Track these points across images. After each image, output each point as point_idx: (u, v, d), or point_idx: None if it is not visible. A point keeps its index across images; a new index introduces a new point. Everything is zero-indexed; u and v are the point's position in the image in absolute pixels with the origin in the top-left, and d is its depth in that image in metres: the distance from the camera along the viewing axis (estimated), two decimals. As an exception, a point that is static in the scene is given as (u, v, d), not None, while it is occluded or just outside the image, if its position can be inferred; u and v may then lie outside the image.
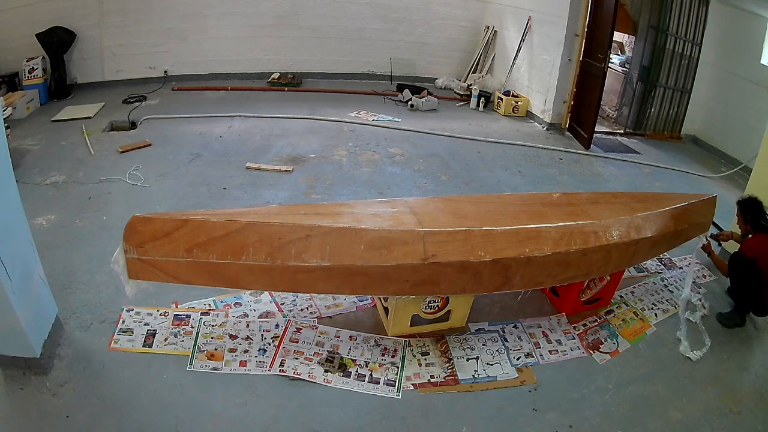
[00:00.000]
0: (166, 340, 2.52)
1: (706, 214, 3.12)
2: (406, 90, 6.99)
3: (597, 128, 5.98)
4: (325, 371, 2.43)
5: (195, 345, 2.50)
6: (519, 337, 2.78)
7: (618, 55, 7.57)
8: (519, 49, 6.85)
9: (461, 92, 7.40)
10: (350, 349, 2.58)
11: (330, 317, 2.80)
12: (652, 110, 6.57)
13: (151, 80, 6.65)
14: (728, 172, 5.48)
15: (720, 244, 3.51)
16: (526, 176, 4.93)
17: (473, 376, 2.50)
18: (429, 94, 6.90)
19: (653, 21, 6.29)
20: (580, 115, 6.10)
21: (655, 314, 3.08)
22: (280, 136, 5.33)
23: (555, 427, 2.28)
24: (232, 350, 2.50)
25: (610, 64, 5.91)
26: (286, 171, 4.51)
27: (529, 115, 6.79)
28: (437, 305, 2.65)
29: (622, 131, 6.68)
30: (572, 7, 5.77)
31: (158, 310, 2.70)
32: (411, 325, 2.69)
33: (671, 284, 3.38)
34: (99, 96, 5.99)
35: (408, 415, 2.27)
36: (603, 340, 2.82)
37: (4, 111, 4.58)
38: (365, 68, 7.71)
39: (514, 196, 3.40)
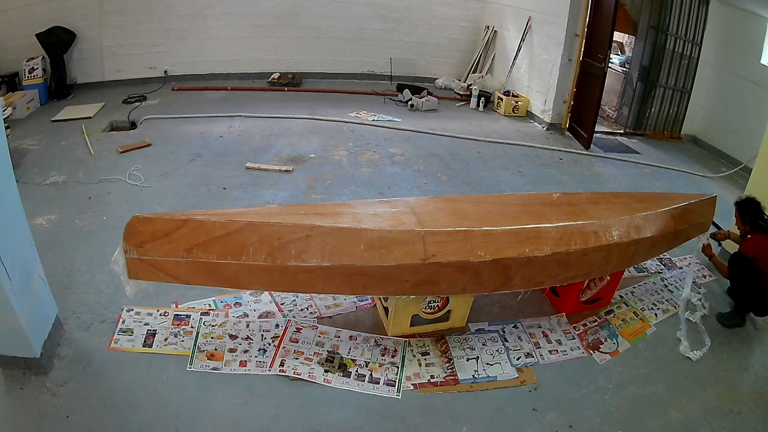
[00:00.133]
0: (166, 340, 2.52)
1: (706, 214, 3.12)
2: (406, 90, 6.99)
3: (597, 128, 5.98)
4: (325, 371, 2.43)
5: (195, 345, 2.50)
6: (519, 337, 2.78)
7: (618, 55, 7.56)
8: (519, 49, 6.85)
9: (461, 92, 7.40)
10: (350, 349, 2.58)
11: (330, 317, 2.80)
12: (652, 110, 6.57)
13: (151, 80, 6.65)
14: (728, 172, 5.48)
15: (720, 244, 3.51)
16: (526, 176, 4.93)
17: (473, 376, 2.50)
18: (429, 94, 6.90)
19: (653, 21, 6.29)
20: (580, 115, 6.10)
21: (655, 314, 3.08)
22: (280, 136, 5.33)
23: (555, 427, 2.28)
24: (232, 350, 2.50)
25: (610, 64, 5.91)
26: (286, 171, 4.51)
27: (529, 115, 6.79)
28: (437, 305, 2.65)
29: (622, 131, 6.68)
30: (572, 7, 5.77)
31: (158, 310, 2.70)
32: (411, 325, 2.69)
33: (671, 284, 3.38)
34: (99, 96, 5.99)
35: (408, 415, 2.27)
36: (603, 340, 2.82)
37: (4, 111, 4.58)
38: (365, 68, 7.71)
39: (514, 196, 3.40)
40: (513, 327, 2.85)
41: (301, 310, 2.83)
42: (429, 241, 2.26)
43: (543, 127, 6.41)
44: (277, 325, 2.68)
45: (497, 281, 2.42)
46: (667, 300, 3.22)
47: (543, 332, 2.83)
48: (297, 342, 2.59)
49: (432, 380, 2.46)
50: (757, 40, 5.40)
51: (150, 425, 2.10)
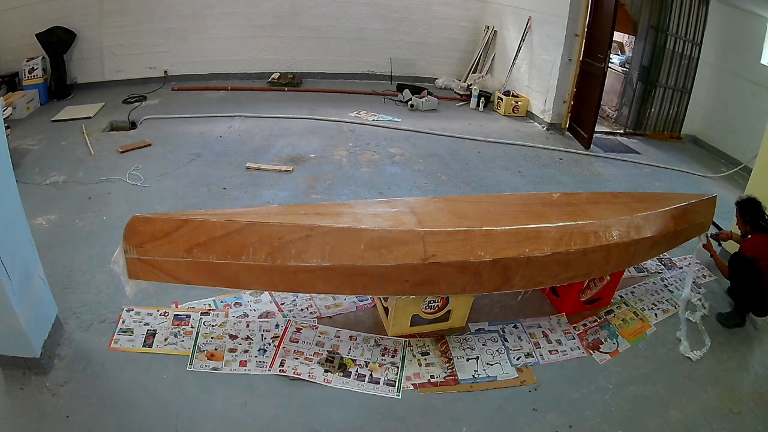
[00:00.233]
0: (166, 340, 2.52)
1: (706, 214, 3.12)
2: (406, 90, 6.99)
3: (597, 128, 5.98)
4: (325, 371, 2.43)
5: (195, 345, 2.50)
6: (519, 337, 2.78)
7: (618, 55, 7.56)
8: (519, 49, 6.85)
9: (461, 92, 7.40)
10: (350, 349, 2.58)
11: (330, 317, 2.80)
12: (652, 110, 6.57)
13: (151, 80, 6.65)
14: (728, 172, 5.48)
15: (720, 244, 3.51)
16: (526, 176, 4.93)
17: (473, 376, 2.50)
18: (429, 94, 6.90)
19: (653, 21, 6.29)
20: (580, 115, 6.10)
21: (655, 314, 3.08)
22: (280, 136, 5.33)
23: (555, 427, 2.28)
24: (232, 350, 2.50)
25: (610, 64, 5.91)
26: (286, 171, 4.51)
27: (529, 115, 6.79)
28: (437, 305, 2.65)
29: (622, 131, 6.68)
30: (572, 7, 5.77)
31: (158, 310, 2.70)
32: (411, 325, 2.69)
33: (671, 284, 3.38)
34: (99, 96, 5.99)
35: (408, 415, 2.27)
36: (603, 340, 2.82)
37: (4, 111, 4.58)
38: (365, 68, 7.71)
39: (514, 196, 3.40)
40: (513, 327, 2.85)
41: (301, 310, 2.83)
42: (429, 241, 2.26)
43: (543, 127, 6.41)
44: (277, 325, 2.68)
45: (497, 281, 2.42)
46: (667, 300, 3.22)
47: (543, 332, 2.83)
48: (297, 342, 2.59)
49: (432, 380, 2.46)
50: (757, 40, 5.40)
51: (150, 425, 2.10)
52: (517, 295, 2.97)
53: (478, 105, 6.90)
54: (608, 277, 2.88)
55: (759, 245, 2.88)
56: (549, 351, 2.71)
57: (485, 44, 7.62)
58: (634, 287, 3.31)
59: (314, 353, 2.53)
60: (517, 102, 6.76)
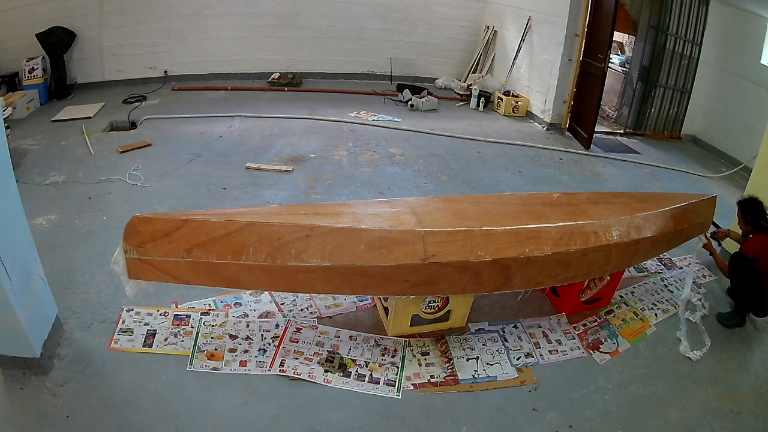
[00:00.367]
0: (166, 340, 2.52)
1: (706, 214, 3.12)
2: (406, 90, 6.99)
3: (597, 128, 5.98)
4: (325, 371, 2.43)
5: (195, 345, 2.50)
6: (519, 337, 2.78)
7: (618, 55, 7.57)
8: (519, 49, 6.85)
9: (461, 92, 7.40)
10: (350, 349, 2.58)
11: (330, 317, 2.80)
12: (652, 110, 6.57)
13: (151, 80, 6.65)
14: (728, 172, 5.48)
15: (720, 244, 3.51)
16: (526, 176, 4.93)
17: (473, 376, 2.50)
18: (429, 94, 6.90)
19: (653, 21, 6.29)
20: (580, 115, 6.10)
21: (655, 314, 3.08)
22: (280, 136, 5.33)
23: (555, 427, 2.28)
24: (232, 350, 2.50)
25: (610, 64, 5.91)
26: (286, 171, 4.51)
27: (529, 115, 6.79)
28: (437, 305, 2.65)
29: (622, 131, 6.68)
30: (572, 7, 5.77)
31: (158, 310, 2.70)
32: (411, 325, 2.69)
33: (671, 284, 3.38)
34: (99, 96, 5.99)
35: (408, 415, 2.27)
36: (603, 340, 2.82)
37: (4, 111, 4.58)
38: (365, 68, 7.71)
39: (514, 196, 3.40)
40: (513, 327, 2.85)
41: (301, 310, 2.83)
42: (429, 241, 2.26)
43: (543, 127, 6.41)
44: (277, 325, 2.68)
45: (497, 281, 2.42)
46: (667, 300, 3.22)
47: (543, 332, 2.83)
48: (297, 342, 2.59)
49: (432, 380, 2.46)
50: (757, 40, 5.40)
51: (150, 425, 2.11)
52: (517, 295, 2.97)
53: (478, 105, 6.90)
54: (608, 277, 2.88)
55: (760, 245, 2.88)
56: (549, 351, 2.71)
57: (485, 44, 7.62)
58: (634, 287, 3.31)
59: (314, 353, 2.53)
60: (517, 102, 6.76)
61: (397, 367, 2.50)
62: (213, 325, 2.64)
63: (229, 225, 2.10)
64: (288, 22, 7.12)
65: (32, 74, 5.64)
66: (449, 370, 2.51)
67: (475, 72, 7.70)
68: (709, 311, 3.10)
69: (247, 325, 2.67)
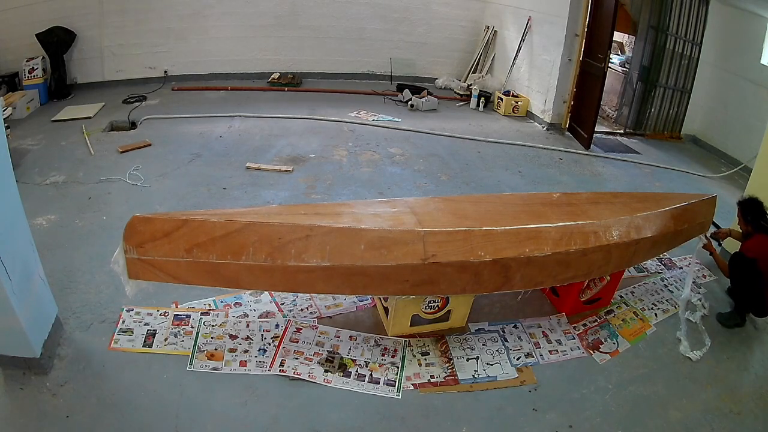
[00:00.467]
0: (166, 340, 2.52)
1: (706, 214, 3.12)
2: (406, 90, 6.99)
3: (597, 128, 5.98)
4: (325, 371, 2.43)
5: (195, 345, 2.50)
6: (519, 337, 2.78)
7: (618, 55, 7.57)
8: (519, 49, 6.85)
9: (461, 92, 7.40)
10: (350, 349, 2.58)
11: (330, 317, 2.80)
12: (652, 110, 6.57)
13: (151, 80, 6.65)
14: (728, 172, 5.48)
15: (720, 243, 3.51)
16: (526, 176, 4.93)
17: (473, 376, 2.50)
18: (429, 94, 6.90)
19: (653, 21, 6.29)
20: (580, 115, 6.10)
21: (655, 314, 3.08)
22: (280, 136, 5.33)
23: (555, 427, 2.28)
24: (232, 350, 2.50)
25: (610, 64, 5.91)
26: (286, 171, 4.51)
27: (529, 115, 6.79)
28: (437, 305, 2.65)
29: (622, 131, 6.68)
30: (572, 7, 5.77)
31: (158, 310, 2.70)
32: (411, 325, 2.69)
33: (671, 284, 3.38)
34: (99, 96, 5.99)
35: (408, 415, 2.27)
36: (603, 340, 2.82)
37: (4, 111, 4.58)
38: (365, 68, 7.71)
39: (514, 196, 3.40)
40: (513, 327, 2.85)
41: (301, 310, 2.83)
42: (429, 241, 2.26)
43: (543, 127, 6.41)
44: (277, 325, 2.68)
45: (497, 281, 2.42)
46: (667, 300, 3.22)
47: (543, 332, 2.83)
48: (297, 342, 2.59)
49: (432, 380, 2.46)
50: (757, 40, 5.40)
51: (150, 425, 2.11)
52: (517, 295, 2.97)
53: (478, 105, 6.90)
54: (608, 277, 2.88)
55: (760, 246, 2.88)
56: (549, 351, 2.71)
57: (485, 44, 7.62)
58: (634, 287, 3.31)
59: (314, 353, 2.53)
60: (517, 102, 6.76)
61: (397, 367, 2.50)
62: (213, 325, 2.64)
63: (229, 225, 2.10)
64: (288, 22, 7.12)
65: (32, 74, 5.65)
66: (449, 370, 2.51)
67: (475, 72, 7.70)
68: (709, 311, 3.10)
69: (247, 325, 2.67)
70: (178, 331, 2.58)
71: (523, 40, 6.75)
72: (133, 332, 2.54)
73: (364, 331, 2.70)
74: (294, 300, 2.90)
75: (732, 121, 5.94)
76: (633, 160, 5.65)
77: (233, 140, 5.12)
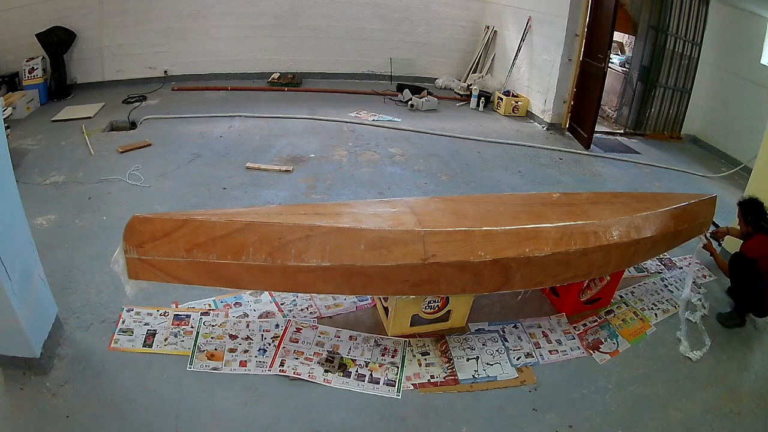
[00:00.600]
0: (166, 340, 2.52)
1: (706, 214, 3.12)
2: (406, 90, 6.99)
3: (597, 128, 5.98)
4: (325, 371, 2.43)
5: (195, 345, 2.50)
6: (519, 337, 2.78)
7: (618, 55, 7.57)
8: (519, 49, 6.85)
9: (461, 92, 7.40)
10: (350, 349, 2.58)
11: (330, 317, 2.80)
12: (652, 110, 6.57)
13: (151, 80, 6.65)
14: (728, 172, 5.48)
15: (720, 243, 3.51)
16: (526, 176, 4.93)
17: (473, 376, 2.50)
18: (429, 94, 6.90)
19: (653, 21, 6.29)
20: (580, 115, 6.10)
21: (655, 314, 3.08)
22: (280, 136, 5.33)
23: (555, 427, 2.28)
24: (232, 350, 2.50)
25: (610, 64, 5.91)
26: (286, 171, 4.51)
27: (529, 115, 6.79)
28: (437, 305, 2.65)
29: (622, 131, 6.68)
30: (572, 7, 5.77)
31: (158, 310, 2.70)
32: (411, 325, 2.69)
33: (671, 284, 3.38)
34: (99, 96, 5.99)
35: (408, 415, 2.27)
36: (603, 340, 2.82)
37: (4, 111, 4.58)
38: (365, 68, 7.72)
39: (514, 196, 3.40)
40: (513, 327, 2.85)
41: (301, 310, 2.83)
42: (429, 241, 2.26)
43: (543, 127, 6.41)
44: (277, 325, 2.68)
45: (497, 281, 2.42)
46: (667, 300, 3.22)
47: (543, 332, 2.83)
48: (297, 342, 2.59)
49: (432, 380, 2.46)
50: (757, 40, 5.40)
51: (150, 425, 2.11)
52: (517, 295, 2.97)
53: (478, 105, 6.90)
54: (608, 277, 2.88)
55: (761, 246, 2.88)
56: (549, 351, 2.71)
57: (485, 44, 7.62)
58: (634, 287, 3.31)
59: (314, 353, 2.53)
60: (517, 102, 6.76)
61: (397, 367, 2.50)
62: (213, 325, 2.64)
63: (229, 225, 2.10)
64: (288, 22, 7.12)
65: (32, 74, 5.65)
66: (449, 370, 2.51)
67: (475, 72, 7.70)
68: (709, 311, 3.10)
69: (247, 325, 2.67)
70: (178, 331, 2.58)
71: (523, 40, 6.75)
72: (133, 332, 2.54)
73: (364, 331, 2.70)
74: (294, 300, 2.90)
75: (732, 121, 5.94)
76: (633, 160, 5.65)
77: (233, 140, 5.12)
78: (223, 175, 4.34)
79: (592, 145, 5.87)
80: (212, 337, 2.56)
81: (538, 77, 6.55)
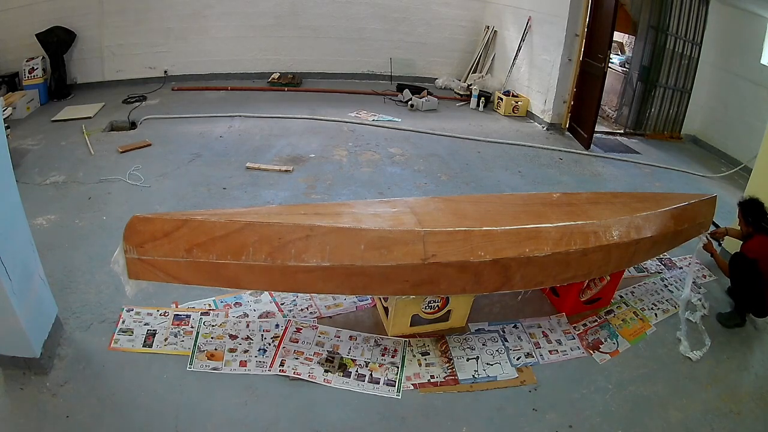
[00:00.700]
0: (166, 340, 2.52)
1: (706, 214, 3.12)
2: (406, 90, 6.99)
3: (597, 128, 5.98)
4: (325, 371, 2.43)
5: (195, 345, 2.50)
6: (519, 337, 2.78)
7: (618, 55, 7.56)
8: (519, 49, 6.85)
9: (461, 92, 7.40)
10: (350, 349, 2.58)
11: (330, 317, 2.80)
12: (652, 110, 6.57)
13: (151, 80, 6.65)
14: (728, 172, 5.48)
15: (720, 243, 3.51)
16: (526, 176, 4.93)
17: (473, 376, 2.50)
18: (429, 94, 6.90)
19: (653, 21, 6.29)
20: (580, 115, 6.10)
21: (655, 314, 3.08)
22: (280, 136, 5.33)
23: (555, 427, 2.28)
24: (232, 350, 2.50)
25: (610, 64, 5.91)
26: (286, 171, 4.51)
27: (529, 115, 6.79)
28: (437, 305, 2.65)
29: (622, 131, 6.68)
30: (572, 7, 5.77)
31: (158, 310, 2.70)
32: (411, 325, 2.69)
33: (671, 284, 3.38)
34: (99, 96, 5.99)
35: (408, 415, 2.27)
36: (603, 340, 2.82)
37: (4, 111, 4.58)
38: (365, 68, 7.72)
39: (514, 196, 3.40)
40: (513, 327, 2.85)
41: (301, 310, 2.83)
42: (429, 241, 2.26)
43: (543, 127, 6.41)
44: (277, 325, 2.68)
45: (497, 281, 2.42)
46: (667, 300, 3.22)
47: (543, 332, 2.83)
48: (297, 342, 2.59)
49: (432, 380, 2.46)
50: (757, 40, 5.40)
51: (150, 425, 2.11)
52: (517, 295, 2.97)
53: (478, 105, 6.90)
54: (608, 277, 2.88)
55: (761, 247, 2.88)
56: (549, 351, 2.71)
57: (485, 44, 7.62)
58: (634, 287, 3.31)
59: (314, 353, 2.53)
60: (517, 102, 6.76)
61: (397, 367, 2.50)
62: (213, 325, 2.64)
63: (229, 225, 2.10)
64: (288, 22, 7.12)
65: (32, 74, 5.65)
66: (449, 370, 2.51)
67: (475, 72, 7.70)
68: (709, 311, 3.10)
69: (247, 325, 2.67)
70: (178, 331, 2.58)
71: (523, 40, 6.75)
72: (133, 332, 2.54)
73: (364, 331, 2.70)
74: (294, 300, 2.90)
75: (732, 121, 5.94)
76: (633, 160, 5.65)
77: (233, 140, 5.12)
78: (223, 175, 4.34)
79: (592, 145, 5.87)
80: (212, 337, 2.56)
81: (538, 77, 6.55)
